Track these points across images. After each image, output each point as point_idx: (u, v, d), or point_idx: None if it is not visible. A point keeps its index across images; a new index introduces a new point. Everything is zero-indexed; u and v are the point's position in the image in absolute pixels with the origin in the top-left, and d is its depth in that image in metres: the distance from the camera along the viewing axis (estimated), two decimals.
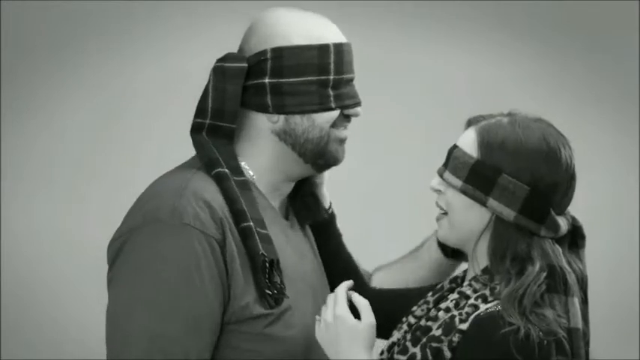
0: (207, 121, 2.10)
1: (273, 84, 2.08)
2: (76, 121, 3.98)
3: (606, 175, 4.06)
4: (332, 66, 2.09)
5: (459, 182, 2.05)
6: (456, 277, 2.19)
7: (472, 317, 2.00)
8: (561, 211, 2.06)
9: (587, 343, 2.10)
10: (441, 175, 2.09)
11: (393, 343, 2.11)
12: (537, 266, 2.00)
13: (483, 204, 2.03)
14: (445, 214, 2.09)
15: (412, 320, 2.14)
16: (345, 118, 2.14)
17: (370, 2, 4.00)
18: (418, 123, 4.08)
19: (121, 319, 1.98)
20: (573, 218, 2.11)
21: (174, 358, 1.96)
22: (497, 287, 2.03)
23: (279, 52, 2.08)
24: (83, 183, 3.98)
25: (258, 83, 2.09)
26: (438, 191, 2.10)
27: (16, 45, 3.93)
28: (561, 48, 4.10)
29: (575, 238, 2.12)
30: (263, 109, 2.10)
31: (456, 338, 2.00)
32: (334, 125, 2.12)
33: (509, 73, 4.09)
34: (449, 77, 4.07)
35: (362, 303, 2.10)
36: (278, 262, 2.05)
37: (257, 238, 2.03)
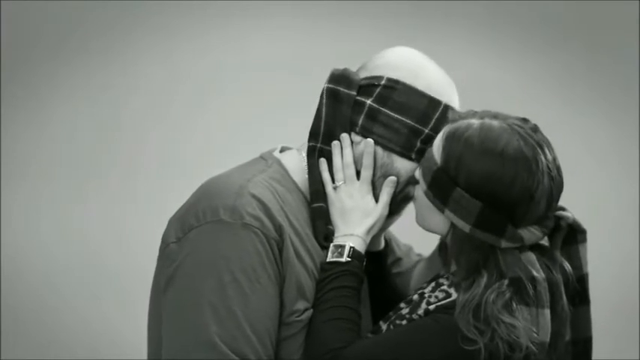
0: (319, 146, 2.14)
1: (372, 108, 2.11)
2: (78, 120, 3.98)
3: (606, 175, 4.06)
4: (432, 122, 2.11)
5: (424, 185, 2.06)
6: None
7: (444, 302, 2.02)
8: (527, 224, 2.03)
9: (586, 350, 2.11)
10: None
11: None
12: (485, 278, 1.99)
13: (441, 212, 2.04)
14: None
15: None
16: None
17: (372, 2, 4.00)
18: None
19: (185, 319, 1.98)
20: (560, 217, 2.08)
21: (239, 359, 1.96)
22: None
23: (393, 83, 2.11)
24: (85, 182, 3.98)
25: (359, 100, 2.12)
26: (417, 181, 2.11)
27: (17, 45, 3.93)
28: (561, 48, 4.10)
29: (573, 234, 2.10)
30: (351, 125, 2.12)
31: (418, 315, 2.03)
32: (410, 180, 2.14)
33: (511, 73, 4.09)
34: (450, 78, 4.06)
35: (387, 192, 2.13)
36: None
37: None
